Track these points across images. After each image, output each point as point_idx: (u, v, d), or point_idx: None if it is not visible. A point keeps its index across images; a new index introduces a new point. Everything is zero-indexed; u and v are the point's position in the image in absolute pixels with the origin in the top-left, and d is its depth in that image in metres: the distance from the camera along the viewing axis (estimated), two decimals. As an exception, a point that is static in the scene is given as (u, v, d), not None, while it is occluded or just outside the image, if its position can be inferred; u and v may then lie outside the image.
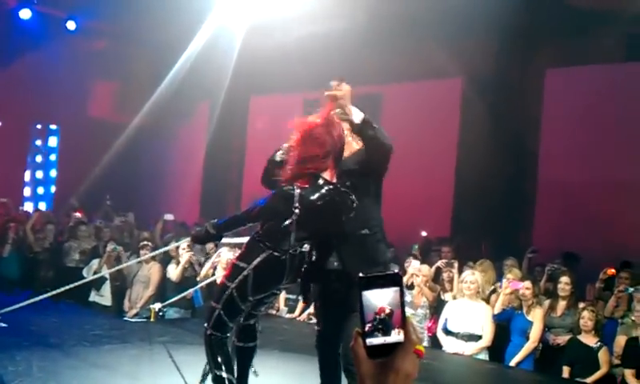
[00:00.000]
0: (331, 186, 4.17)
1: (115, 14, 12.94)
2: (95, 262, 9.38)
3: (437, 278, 7.96)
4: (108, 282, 9.13)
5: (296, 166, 4.18)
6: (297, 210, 4.10)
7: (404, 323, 1.28)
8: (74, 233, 10.61)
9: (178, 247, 8.64)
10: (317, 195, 4.13)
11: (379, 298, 1.28)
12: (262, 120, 14.42)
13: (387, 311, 1.28)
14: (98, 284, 9.11)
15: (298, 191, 4.13)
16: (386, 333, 1.27)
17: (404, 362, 1.28)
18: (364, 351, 1.28)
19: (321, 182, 4.15)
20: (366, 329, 1.28)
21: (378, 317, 1.28)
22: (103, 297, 9.16)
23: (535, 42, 11.10)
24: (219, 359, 4.30)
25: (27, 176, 16.63)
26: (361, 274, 1.31)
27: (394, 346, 1.28)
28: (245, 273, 4.19)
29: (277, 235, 4.18)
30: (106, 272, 8.72)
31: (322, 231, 4.32)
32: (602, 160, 10.40)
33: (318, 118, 4.22)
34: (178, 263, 8.67)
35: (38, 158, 16.75)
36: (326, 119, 4.20)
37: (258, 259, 4.18)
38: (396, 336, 1.28)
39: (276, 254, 4.17)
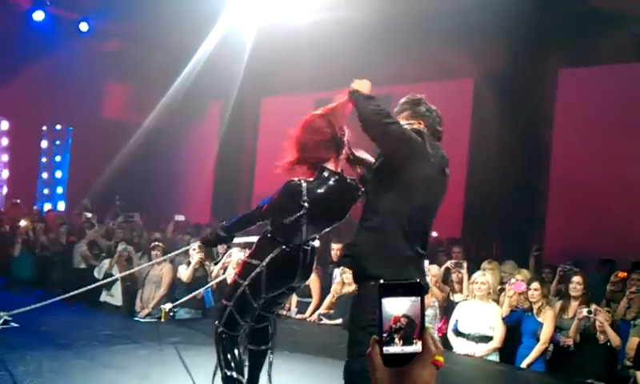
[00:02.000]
0: (337, 176, 4.15)
1: (127, 15, 13.00)
2: (106, 262, 9.41)
3: (446, 278, 7.93)
4: (119, 282, 9.15)
5: (296, 153, 4.17)
6: (306, 204, 4.08)
7: (423, 334, 1.27)
8: (85, 234, 10.68)
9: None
10: (324, 187, 4.11)
11: (398, 307, 1.27)
12: (273, 120, 14.44)
13: (406, 320, 1.26)
14: (108, 284, 9.14)
15: (305, 185, 4.11)
16: (404, 342, 1.26)
17: (421, 372, 1.26)
18: (380, 359, 1.27)
19: (326, 173, 4.13)
20: (384, 337, 1.27)
21: (396, 325, 1.26)
22: (114, 297, 9.18)
23: (547, 42, 11.05)
24: (229, 358, 4.29)
25: (40, 176, 16.76)
26: (382, 281, 1.29)
27: (412, 355, 1.26)
28: (258, 270, 4.18)
29: (288, 230, 4.17)
30: (118, 275, 8.73)
31: (333, 222, 4.31)
32: (615, 159, 10.34)
33: (320, 111, 4.21)
34: (188, 264, 8.69)
35: (52, 159, 16.87)
36: (327, 111, 4.18)
37: (271, 255, 4.17)
38: (414, 346, 1.26)
39: (288, 249, 4.17)
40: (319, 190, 4.10)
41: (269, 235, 4.26)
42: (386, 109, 3.74)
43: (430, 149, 3.70)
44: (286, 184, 4.19)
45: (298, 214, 4.09)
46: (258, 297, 4.22)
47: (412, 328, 1.26)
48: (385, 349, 1.26)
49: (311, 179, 4.13)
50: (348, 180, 4.20)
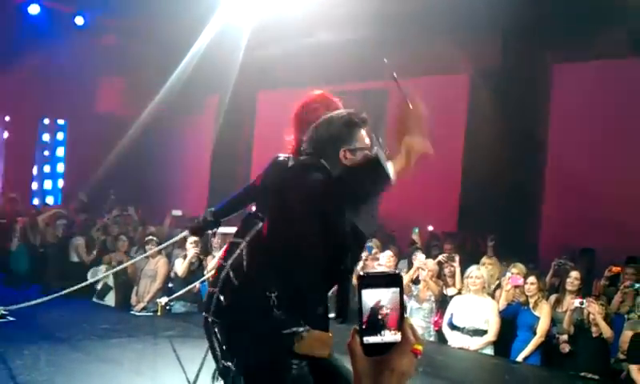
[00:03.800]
0: None
1: (123, 9, 12.97)
2: (102, 269, 9.39)
3: (440, 272, 7.95)
4: (112, 291, 9.18)
5: (293, 131, 4.18)
6: None
7: (401, 323, 1.30)
8: (83, 229, 10.71)
9: (185, 242, 8.71)
10: None
11: (378, 298, 1.30)
12: (269, 114, 14.43)
13: (385, 311, 1.30)
14: (101, 294, 9.17)
15: (291, 162, 4.12)
16: (383, 332, 1.30)
17: (400, 360, 1.30)
18: (360, 349, 1.30)
19: None
20: (364, 327, 1.30)
21: (375, 316, 1.30)
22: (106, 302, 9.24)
23: (542, 38, 11.05)
24: (225, 349, 4.28)
25: (35, 170, 16.75)
26: (361, 273, 1.33)
27: (391, 345, 1.30)
28: (241, 247, 4.15)
29: None
30: (108, 272, 8.74)
31: None
32: (611, 155, 10.37)
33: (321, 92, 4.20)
34: (185, 258, 8.71)
35: (46, 153, 16.86)
36: (322, 96, 4.18)
37: (252, 232, 4.14)
38: (393, 336, 1.30)
39: None
40: None
41: (252, 213, 4.24)
42: None
43: None
44: (273, 159, 4.19)
45: None
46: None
47: (391, 318, 1.30)
48: (365, 339, 1.30)
49: (298, 156, 4.13)
50: None
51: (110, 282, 9.19)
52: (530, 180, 11.33)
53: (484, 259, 8.01)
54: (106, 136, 14.35)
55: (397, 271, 1.34)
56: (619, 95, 10.40)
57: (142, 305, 8.74)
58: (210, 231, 4.86)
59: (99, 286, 9.22)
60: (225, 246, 4.50)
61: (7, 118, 15.98)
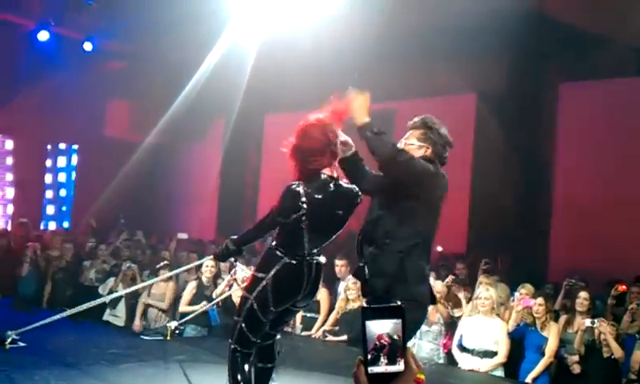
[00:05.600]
0: (333, 181, 4.27)
1: (130, 35, 13.12)
2: (111, 280, 9.47)
3: (448, 294, 7.93)
4: (123, 300, 9.20)
5: (299, 164, 4.28)
6: (304, 205, 4.15)
7: (404, 353, 1.36)
8: (93, 252, 10.75)
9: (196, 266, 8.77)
10: (321, 189, 4.22)
11: (382, 329, 1.36)
12: (276, 137, 14.49)
13: (389, 341, 1.36)
14: (113, 303, 9.19)
15: (303, 188, 4.20)
16: (387, 362, 1.35)
17: None
18: (365, 379, 1.35)
19: (323, 176, 4.24)
20: (368, 357, 1.35)
21: (379, 346, 1.35)
22: (117, 317, 9.23)
23: (548, 57, 11.10)
24: (239, 377, 4.34)
25: (46, 195, 16.83)
26: (364, 305, 1.39)
27: (395, 374, 1.35)
28: (264, 283, 4.23)
29: (291, 242, 4.24)
30: (122, 292, 8.78)
31: (334, 229, 4.37)
32: (618, 173, 10.35)
33: (313, 120, 4.31)
34: (197, 279, 8.73)
35: (57, 178, 16.95)
36: (320, 120, 4.28)
37: (276, 267, 4.23)
38: (396, 365, 1.35)
39: (293, 261, 4.22)
40: (317, 194, 4.19)
41: (273, 247, 4.32)
42: (395, 142, 3.93)
43: (440, 176, 4.02)
44: (286, 188, 4.28)
45: (299, 214, 4.16)
46: (265, 311, 4.25)
47: (394, 348, 1.35)
48: (370, 368, 1.35)
49: (310, 183, 4.23)
50: (345, 186, 4.28)
51: (120, 291, 9.20)
52: (538, 200, 11.32)
53: (482, 278, 7.97)
54: (115, 160, 14.44)
55: (399, 303, 1.39)
56: (626, 115, 10.42)
57: (141, 323, 8.75)
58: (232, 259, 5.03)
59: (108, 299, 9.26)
60: (244, 278, 4.62)
61: (13, 144, 16.07)
